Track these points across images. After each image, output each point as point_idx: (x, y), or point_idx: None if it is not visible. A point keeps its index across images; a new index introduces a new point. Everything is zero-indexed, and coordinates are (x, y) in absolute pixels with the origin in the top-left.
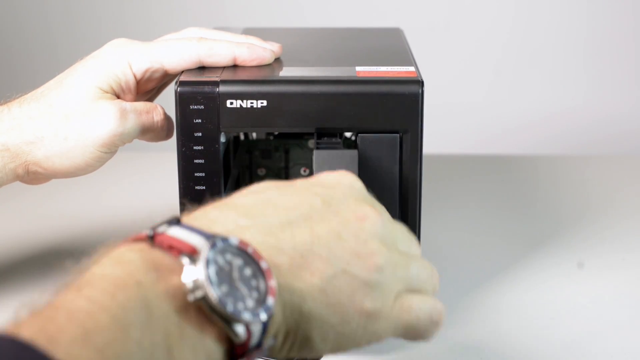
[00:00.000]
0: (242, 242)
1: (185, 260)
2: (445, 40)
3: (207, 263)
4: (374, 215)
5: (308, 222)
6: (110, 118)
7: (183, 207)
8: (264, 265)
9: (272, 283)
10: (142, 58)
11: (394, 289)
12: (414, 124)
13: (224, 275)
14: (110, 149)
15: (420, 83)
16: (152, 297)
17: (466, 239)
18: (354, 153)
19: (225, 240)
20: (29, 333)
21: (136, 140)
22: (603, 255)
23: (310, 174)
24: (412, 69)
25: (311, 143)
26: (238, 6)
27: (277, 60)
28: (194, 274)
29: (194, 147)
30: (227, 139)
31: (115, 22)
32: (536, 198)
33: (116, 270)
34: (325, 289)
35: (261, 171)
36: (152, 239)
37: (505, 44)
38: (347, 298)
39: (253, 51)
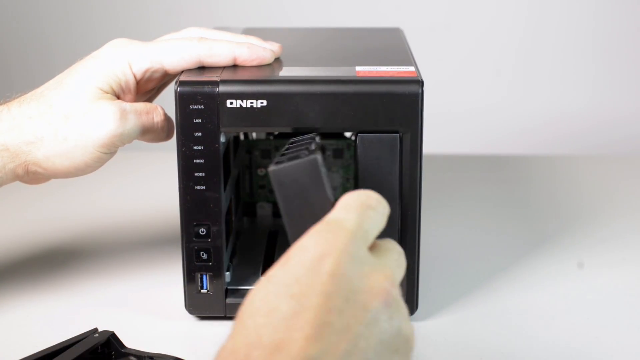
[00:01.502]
0: None
1: None
2: (445, 40)
3: None
4: (379, 312)
5: (344, 345)
6: (110, 119)
7: (183, 209)
8: None
9: None
10: (142, 58)
11: None
12: (414, 124)
13: None
14: (110, 150)
15: (420, 83)
16: None
17: (466, 239)
18: (313, 160)
19: None
20: None
21: (136, 140)
22: (603, 255)
23: None
24: (412, 69)
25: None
26: (238, 6)
27: (277, 60)
28: None
29: (194, 147)
30: (227, 138)
31: (114, 21)
32: (536, 198)
33: None
34: None
35: (261, 171)
36: None
37: (505, 45)
38: None
39: (253, 51)
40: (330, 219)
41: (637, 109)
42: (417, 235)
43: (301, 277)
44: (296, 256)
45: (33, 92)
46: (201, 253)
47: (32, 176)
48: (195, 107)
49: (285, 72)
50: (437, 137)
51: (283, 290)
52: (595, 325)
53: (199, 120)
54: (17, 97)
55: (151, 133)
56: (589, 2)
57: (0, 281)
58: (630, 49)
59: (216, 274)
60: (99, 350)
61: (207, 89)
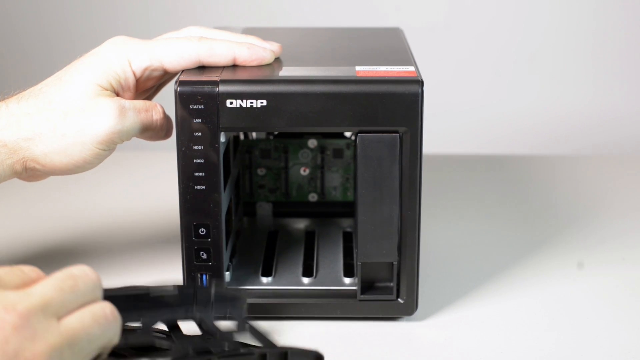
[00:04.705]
0: None
1: None
2: (445, 40)
3: None
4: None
5: None
6: (109, 115)
7: (183, 208)
8: None
9: None
10: (142, 56)
11: None
12: (414, 124)
13: None
14: (109, 147)
15: (420, 83)
16: None
17: (466, 238)
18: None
19: None
20: None
21: (136, 140)
22: (603, 255)
23: (310, 173)
24: (412, 68)
25: (311, 143)
26: (238, 6)
27: (277, 60)
28: None
29: (194, 147)
30: (227, 138)
31: (114, 20)
32: (536, 198)
33: None
34: None
35: (261, 171)
36: None
37: (505, 44)
38: None
39: (253, 51)
40: None
41: (637, 109)
42: (417, 235)
43: None
44: None
45: (32, 88)
46: (201, 253)
47: (30, 173)
48: (195, 106)
49: (285, 72)
50: (437, 137)
51: None
52: (595, 325)
53: (199, 120)
54: (16, 94)
55: (150, 131)
56: (589, 2)
57: None
58: (630, 48)
59: (216, 274)
60: None
61: (207, 88)
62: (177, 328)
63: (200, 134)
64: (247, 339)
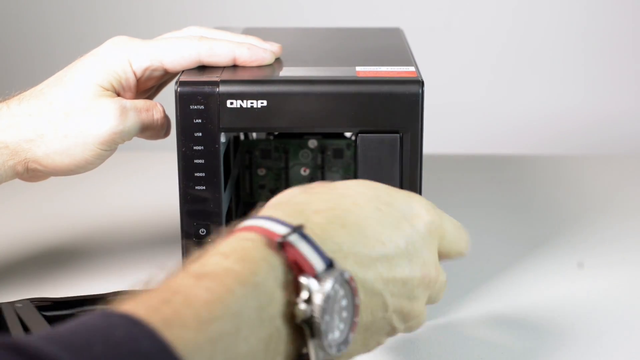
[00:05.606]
0: (351, 278)
1: (305, 281)
2: (445, 40)
3: (327, 298)
4: (436, 283)
5: (397, 269)
6: (111, 116)
7: (183, 210)
8: (357, 301)
9: (357, 319)
10: (143, 56)
11: None
12: (414, 124)
13: (330, 306)
14: (110, 147)
15: (420, 83)
16: (266, 301)
17: None
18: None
19: (342, 274)
20: (144, 311)
21: (136, 140)
22: (603, 255)
23: (310, 174)
24: (412, 69)
25: (311, 143)
26: (238, 6)
27: (277, 60)
28: (310, 300)
29: (194, 147)
30: (227, 139)
31: (115, 20)
32: (536, 198)
33: (238, 266)
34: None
35: (261, 171)
36: (281, 245)
37: (505, 44)
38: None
39: (253, 52)
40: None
41: (637, 109)
42: None
43: (382, 199)
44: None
45: (32, 89)
46: None
47: (31, 173)
48: (196, 107)
49: (285, 72)
50: (437, 137)
51: (365, 198)
52: (595, 325)
53: (199, 121)
54: (17, 95)
55: (150, 130)
56: (588, 2)
57: (0, 281)
58: (632, 48)
59: None
60: None
61: (207, 89)
62: None
63: (200, 134)
64: None
